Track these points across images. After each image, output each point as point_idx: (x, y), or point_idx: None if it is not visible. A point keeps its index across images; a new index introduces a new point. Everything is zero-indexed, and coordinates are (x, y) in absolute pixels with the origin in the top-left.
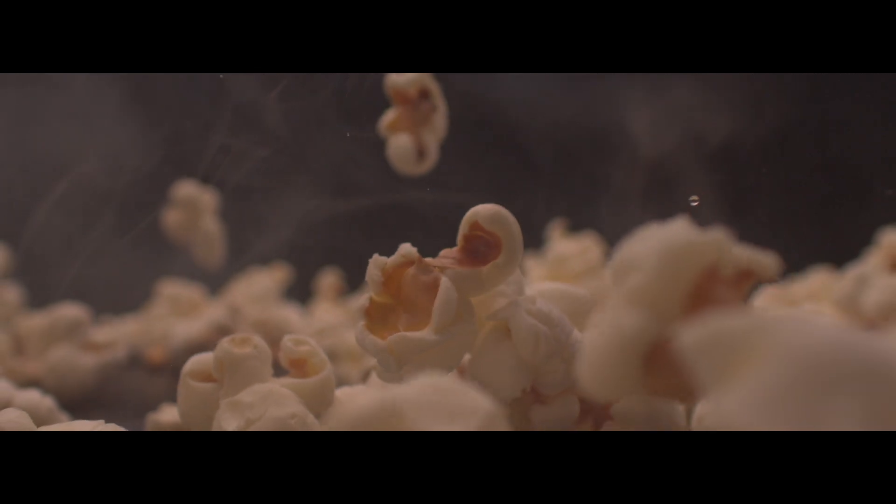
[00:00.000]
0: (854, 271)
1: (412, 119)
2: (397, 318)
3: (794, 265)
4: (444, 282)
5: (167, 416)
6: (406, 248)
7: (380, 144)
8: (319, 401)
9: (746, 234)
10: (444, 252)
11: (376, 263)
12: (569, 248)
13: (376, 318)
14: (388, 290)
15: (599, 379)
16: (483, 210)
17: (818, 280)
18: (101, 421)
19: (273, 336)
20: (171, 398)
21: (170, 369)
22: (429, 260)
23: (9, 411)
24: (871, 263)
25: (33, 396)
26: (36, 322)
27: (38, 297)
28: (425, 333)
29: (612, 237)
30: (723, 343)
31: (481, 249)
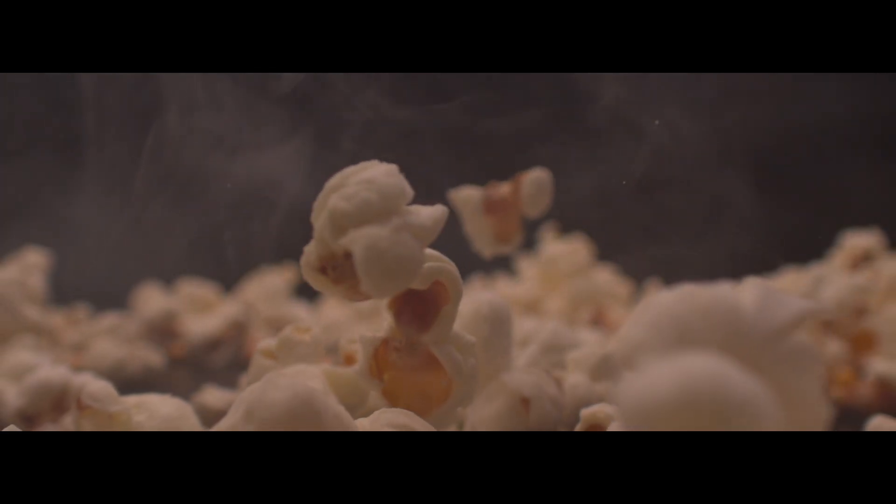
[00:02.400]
0: (815, 271)
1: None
2: (408, 382)
3: (770, 264)
4: (444, 352)
5: (211, 399)
6: (366, 339)
7: (383, 147)
8: (352, 389)
9: (730, 234)
10: (391, 319)
11: (365, 375)
12: (560, 249)
13: (392, 398)
14: (382, 373)
15: (386, 280)
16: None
17: (789, 279)
18: (169, 395)
19: (280, 326)
20: (193, 387)
21: (190, 361)
22: (389, 335)
23: (95, 381)
24: (833, 264)
25: (88, 379)
26: (73, 319)
27: (63, 295)
28: (454, 400)
29: (602, 240)
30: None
31: (414, 299)
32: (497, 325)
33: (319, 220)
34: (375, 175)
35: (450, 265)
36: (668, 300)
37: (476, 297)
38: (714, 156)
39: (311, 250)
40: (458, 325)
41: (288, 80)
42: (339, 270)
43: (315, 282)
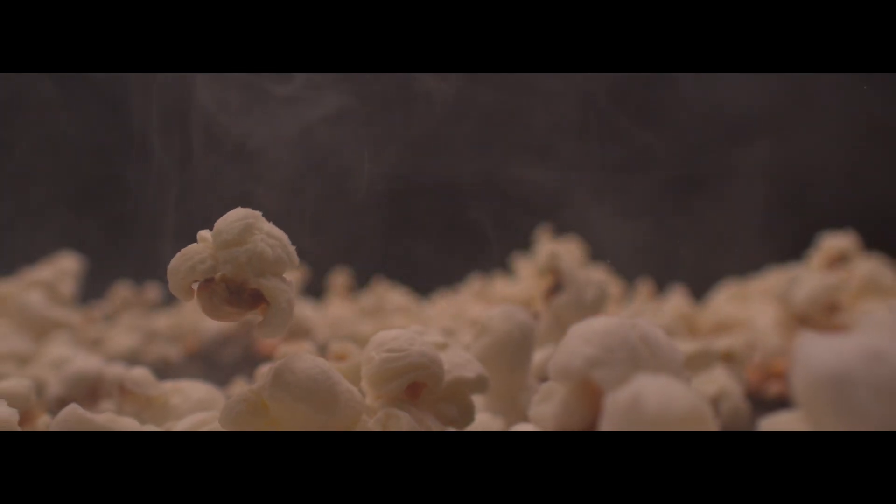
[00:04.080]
0: (792, 270)
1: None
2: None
3: (756, 264)
4: (437, 415)
5: (238, 390)
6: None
7: (383, 148)
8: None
9: (719, 236)
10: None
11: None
12: (555, 249)
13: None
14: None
15: (283, 330)
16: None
17: (772, 278)
18: (199, 380)
19: (292, 329)
20: (205, 380)
21: (202, 356)
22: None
23: (135, 369)
24: (812, 264)
25: (122, 369)
26: (91, 317)
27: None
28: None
29: (595, 240)
30: None
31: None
32: (524, 346)
33: (239, 250)
34: (283, 238)
35: (411, 368)
36: (614, 327)
37: (509, 316)
38: (709, 155)
39: (210, 265)
40: (488, 341)
41: (295, 80)
42: (237, 297)
43: (184, 289)
